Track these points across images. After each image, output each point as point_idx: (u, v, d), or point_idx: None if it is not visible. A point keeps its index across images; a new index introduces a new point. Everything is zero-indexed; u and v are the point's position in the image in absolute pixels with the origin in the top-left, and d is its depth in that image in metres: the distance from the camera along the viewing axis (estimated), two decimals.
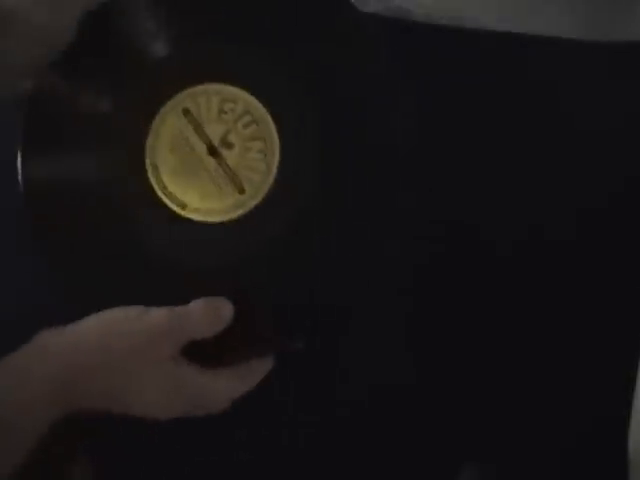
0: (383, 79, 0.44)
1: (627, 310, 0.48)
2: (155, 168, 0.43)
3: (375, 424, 0.47)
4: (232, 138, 0.43)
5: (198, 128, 0.43)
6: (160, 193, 0.43)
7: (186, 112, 0.44)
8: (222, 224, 0.42)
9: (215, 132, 0.43)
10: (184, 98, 0.44)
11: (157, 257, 0.43)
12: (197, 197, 0.43)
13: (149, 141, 0.43)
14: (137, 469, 0.46)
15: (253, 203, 0.42)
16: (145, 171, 0.43)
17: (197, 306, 0.39)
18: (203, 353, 0.40)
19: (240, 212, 0.42)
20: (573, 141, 0.51)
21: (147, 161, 0.43)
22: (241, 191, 0.42)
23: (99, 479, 0.45)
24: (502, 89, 0.52)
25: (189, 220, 0.42)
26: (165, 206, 0.43)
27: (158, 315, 0.38)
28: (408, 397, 0.47)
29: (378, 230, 0.43)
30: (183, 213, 0.43)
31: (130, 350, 0.38)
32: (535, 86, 0.52)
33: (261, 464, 0.46)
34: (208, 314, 0.39)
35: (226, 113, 0.44)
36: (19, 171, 0.44)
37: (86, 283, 0.44)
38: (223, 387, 0.39)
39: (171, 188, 0.43)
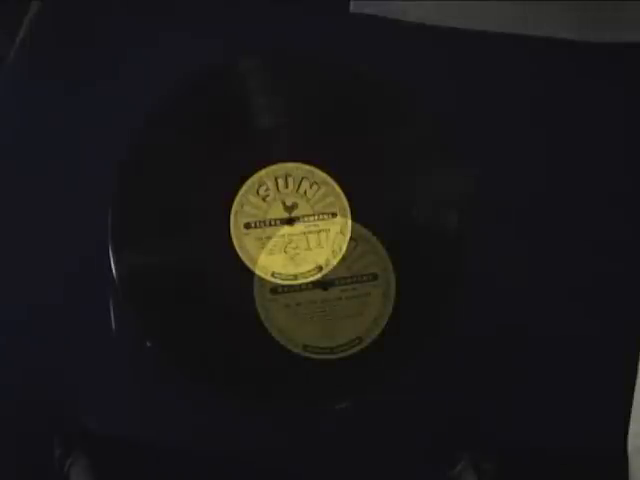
0: None
1: (627, 310, 0.48)
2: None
3: (372, 420, 0.47)
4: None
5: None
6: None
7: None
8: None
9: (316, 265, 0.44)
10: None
11: None
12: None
13: None
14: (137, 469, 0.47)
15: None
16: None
17: None
18: None
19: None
20: (573, 142, 0.51)
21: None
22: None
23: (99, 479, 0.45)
24: (502, 89, 0.52)
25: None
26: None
27: None
28: (405, 394, 0.47)
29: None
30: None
31: None
32: (536, 86, 0.52)
33: None
34: None
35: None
36: (112, 261, 0.44)
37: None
38: None
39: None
